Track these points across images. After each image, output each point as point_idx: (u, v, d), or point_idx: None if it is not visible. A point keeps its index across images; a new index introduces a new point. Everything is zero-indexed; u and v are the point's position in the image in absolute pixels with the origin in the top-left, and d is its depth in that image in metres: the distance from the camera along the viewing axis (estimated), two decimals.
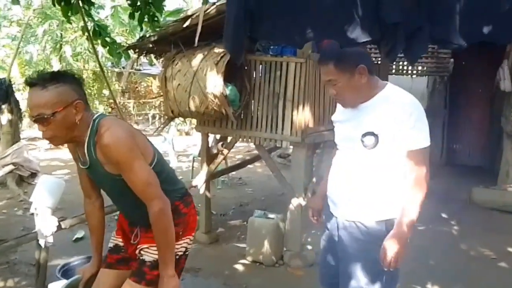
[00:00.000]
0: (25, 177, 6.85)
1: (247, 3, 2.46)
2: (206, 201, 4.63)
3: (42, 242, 2.76)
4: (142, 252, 1.95)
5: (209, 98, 3.77)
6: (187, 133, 13.91)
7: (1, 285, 3.55)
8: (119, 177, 1.81)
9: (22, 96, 10.56)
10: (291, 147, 4.10)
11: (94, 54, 8.17)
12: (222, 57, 3.76)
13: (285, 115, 3.91)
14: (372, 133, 1.88)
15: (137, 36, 8.95)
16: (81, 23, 4.82)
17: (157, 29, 4.33)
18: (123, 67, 15.62)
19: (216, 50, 3.87)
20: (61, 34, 13.91)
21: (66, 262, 3.12)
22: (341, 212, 2.04)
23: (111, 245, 2.14)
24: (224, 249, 4.48)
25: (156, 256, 1.90)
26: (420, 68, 7.77)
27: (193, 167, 7.43)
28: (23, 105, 8.43)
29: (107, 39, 4.57)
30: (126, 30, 13.94)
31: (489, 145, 7.86)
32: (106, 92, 14.38)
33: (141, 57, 4.92)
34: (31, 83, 1.73)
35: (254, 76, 4.14)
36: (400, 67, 7.73)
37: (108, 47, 4.60)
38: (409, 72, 7.84)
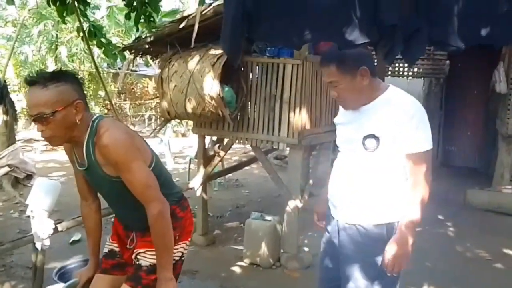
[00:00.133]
0: (20, 179, 6.78)
1: (244, 4, 2.44)
2: (202, 203, 4.62)
3: (38, 245, 2.73)
4: (138, 256, 1.94)
5: (206, 100, 3.76)
6: (184, 135, 13.86)
7: None
8: (117, 179, 1.79)
9: (17, 97, 10.50)
10: (288, 149, 4.10)
11: (89, 55, 8.13)
12: (218, 58, 3.75)
13: (282, 117, 3.91)
14: (373, 136, 1.86)
15: (133, 37, 8.90)
16: (77, 24, 4.80)
17: (153, 30, 4.30)
18: (119, 68, 15.59)
19: (213, 51, 3.86)
20: (56, 34, 13.88)
21: (63, 265, 3.08)
22: (341, 215, 2.02)
23: (106, 250, 2.12)
24: (221, 251, 4.47)
25: (153, 261, 1.88)
26: (416, 70, 7.78)
27: (189, 169, 7.42)
28: (19, 106, 8.36)
29: (103, 39, 4.55)
30: (122, 30, 13.94)
31: (485, 146, 7.88)
32: (102, 93, 14.31)
33: (137, 58, 4.89)
34: (31, 81, 1.70)
35: (251, 77, 4.13)
36: (396, 68, 7.75)
37: (103, 48, 4.57)
38: (405, 73, 7.85)
